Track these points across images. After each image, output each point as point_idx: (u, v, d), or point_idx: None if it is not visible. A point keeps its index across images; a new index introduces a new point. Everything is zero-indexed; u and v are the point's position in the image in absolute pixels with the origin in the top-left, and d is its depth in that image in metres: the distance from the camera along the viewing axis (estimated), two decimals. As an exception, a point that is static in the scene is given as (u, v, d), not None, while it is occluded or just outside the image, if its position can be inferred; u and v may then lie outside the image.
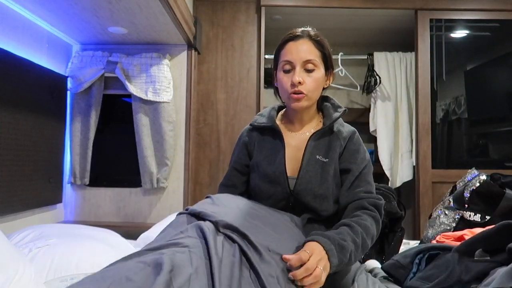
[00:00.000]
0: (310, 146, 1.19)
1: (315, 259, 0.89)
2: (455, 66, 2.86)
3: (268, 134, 1.26)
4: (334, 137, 1.22)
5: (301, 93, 1.15)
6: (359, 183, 1.17)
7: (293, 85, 1.15)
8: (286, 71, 1.18)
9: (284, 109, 1.33)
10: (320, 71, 1.18)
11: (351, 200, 1.15)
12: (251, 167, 1.28)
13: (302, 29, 1.21)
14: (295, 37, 1.18)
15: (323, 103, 1.29)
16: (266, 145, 1.25)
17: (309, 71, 1.16)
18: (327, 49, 1.21)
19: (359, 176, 1.18)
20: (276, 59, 1.24)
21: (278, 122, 1.28)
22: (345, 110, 1.25)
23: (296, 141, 1.23)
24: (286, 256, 0.90)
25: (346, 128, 1.25)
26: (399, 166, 2.98)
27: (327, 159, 1.18)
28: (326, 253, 0.93)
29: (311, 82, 1.16)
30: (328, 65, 1.22)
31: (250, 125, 1.30)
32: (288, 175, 1.19)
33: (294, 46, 1.17)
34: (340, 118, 1.26)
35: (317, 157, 1.18)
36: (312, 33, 1.19)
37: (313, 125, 1.26)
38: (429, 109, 2.71)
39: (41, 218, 2.19)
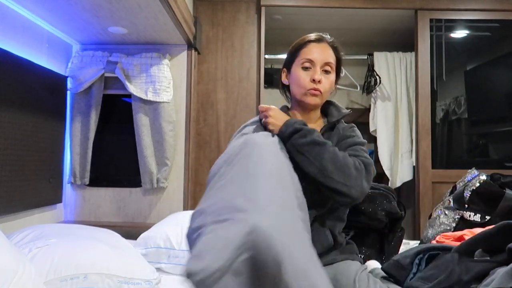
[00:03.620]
0: None
1: (275, 112, 1.21)
2: (455, 66, 2.86)
3: None
4: (335, 129, 1.29)
5: (318, 90, 1.23)
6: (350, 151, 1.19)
7: (313, 81, 1.23)
8: (305, 69, 1.25)
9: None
10: (333, 75, 1.29)
11: None
12: None
13: (320, 34, 1.29)
14: (317, 40, 1.27)
15: (327, 106, 1.35)
16: None
17: (326, 72, 1.25)
18: (341, 57, 1.32)
19: (351, 148, 1.21)
20: (294, 57, 1.28)
21: None
22: (350, 111, 1.33)
23: None
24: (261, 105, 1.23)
25: (345, 124, 1.33)
26: (399, 166, 2.98)
27: None
28: (285, 123, 1.17)
29: (327, 83, 1.25)
30: (338, 72, 1.32)
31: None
32: None
33: (317, 48, 1.25)
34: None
35: None
36: (330, 40, 1.29)
37: (317, 125, 1.32)
38: (429, 109, 2.71)
39: (41, 218, 2.19)
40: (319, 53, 1.24)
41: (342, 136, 1.26)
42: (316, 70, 1.23)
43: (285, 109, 1.33)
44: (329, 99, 1.36)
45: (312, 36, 1.28)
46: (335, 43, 1.29)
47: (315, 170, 1.10)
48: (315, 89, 1.23)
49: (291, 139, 1.14)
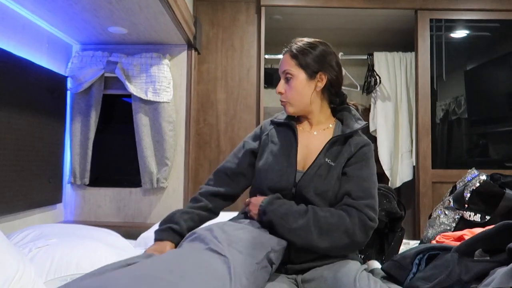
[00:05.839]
0: (325, 149, 1.26)
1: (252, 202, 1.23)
2: (455, 66, 2.86)
3: (284, 129, 1.36)
4: (347, 144, 1.27)
5: (283, 102, 1.32)
6: (361, 193, 1.19)
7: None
8: None
9: None
10: (297, 78, 1.29)
11: (343, 204, 1.20)
12: (260, 153, 1.34)
13: (290, 43, 1.33)
14: (283, 54, 1.34)
15: (343, 112, 1.35)
16: (281, 137, 1.34)
17: (286, 80, 1.31)
18: (303, 57, 1.29)
19: (357, 183, 1.21)
20: None
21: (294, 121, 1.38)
22: (366, 123, 1.32)
23: (306, 139, 1.32)
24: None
25: (361, 138, 1.30)
26: (399, 166, 2.98)
27: (334, 163, 1.24)
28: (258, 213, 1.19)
29: (289, 90, 1.30)
30: (309, 71, 1.29)
31: (270, 120, 1.42)
32: (297, 169, 1.26)
33: (281, 62, 1.34)
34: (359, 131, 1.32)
35: (326, 160, 1.25)
36: (293, 46, 1.31)
37: (323, 127, 1.33)
38: (429, 109, 2.71)
39: (41, 218, 2.19)
40: (280, 67, 1.33)
41: (354, 159, 1.24)
42: (279, 83, 1.32)
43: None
44: (349, 106, 1.38)
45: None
46: (296, 47, 1.30)
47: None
48: (281, 100, 1.32)
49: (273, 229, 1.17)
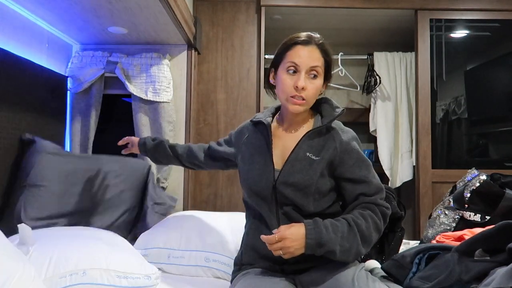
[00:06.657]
0: (303, 143, 1.22)
1: (287, 232, 1.07)
2: (455, 66, 2.86)
3: (260, 129, 1.33)
4: (330, 138, 1.24)
5: (302, 98, 1.19)
6: (373, 190, 1.21)
7: (296, 88, 1.18)
8: (291, 73, 1.20)
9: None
10: (321, 79, 1.23)
11: (362, 202, 1.21)
12: (241, 157, 1.35)
13: (310, 34, 1.22)
14: (305, 42, 1.20)
15: (321, 105, 1.32)
16: (257, 137, 1.32)
17: (312, 77, 1.20)
18: (331, 59, 1.24)
19: (366, 183, 1.21)
20: (280, 58, 1.24)
21: (274, 119, 1.36)
22: (343, 110, 1.27)
23: (285, 138, 1.29)
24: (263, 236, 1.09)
25: (346, 134, 1.26)
26: (399, 166, 2.98)
27: (318, 158, 1.21)
28: (306, 233, 1.08)
29: (312, 89, 1.20)
30: (328, 75, 1.26)
31: (250, 120, 1.39)
32: (275, 167, 1.23)
33: (304, 51, 1.19)
34: (340, 122, 1.29)
35: (307, 154, 1.21)
36: (320, 41, 1.22)
37: (304, 124, 1.31)
38: (429, 109, 2.71)
39: (41, 218, 2.19)
40: (305, 57, 1.18)
41: (350, 160, 1.21)
42: (301, 76, 1.17)
43: (273, 109, 1.37)
44: (325, 96, 1.34)
45: (300, 37, 1.21)
46: (325, 45, 1.22)
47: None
48: (298, 97, 1.18)
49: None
